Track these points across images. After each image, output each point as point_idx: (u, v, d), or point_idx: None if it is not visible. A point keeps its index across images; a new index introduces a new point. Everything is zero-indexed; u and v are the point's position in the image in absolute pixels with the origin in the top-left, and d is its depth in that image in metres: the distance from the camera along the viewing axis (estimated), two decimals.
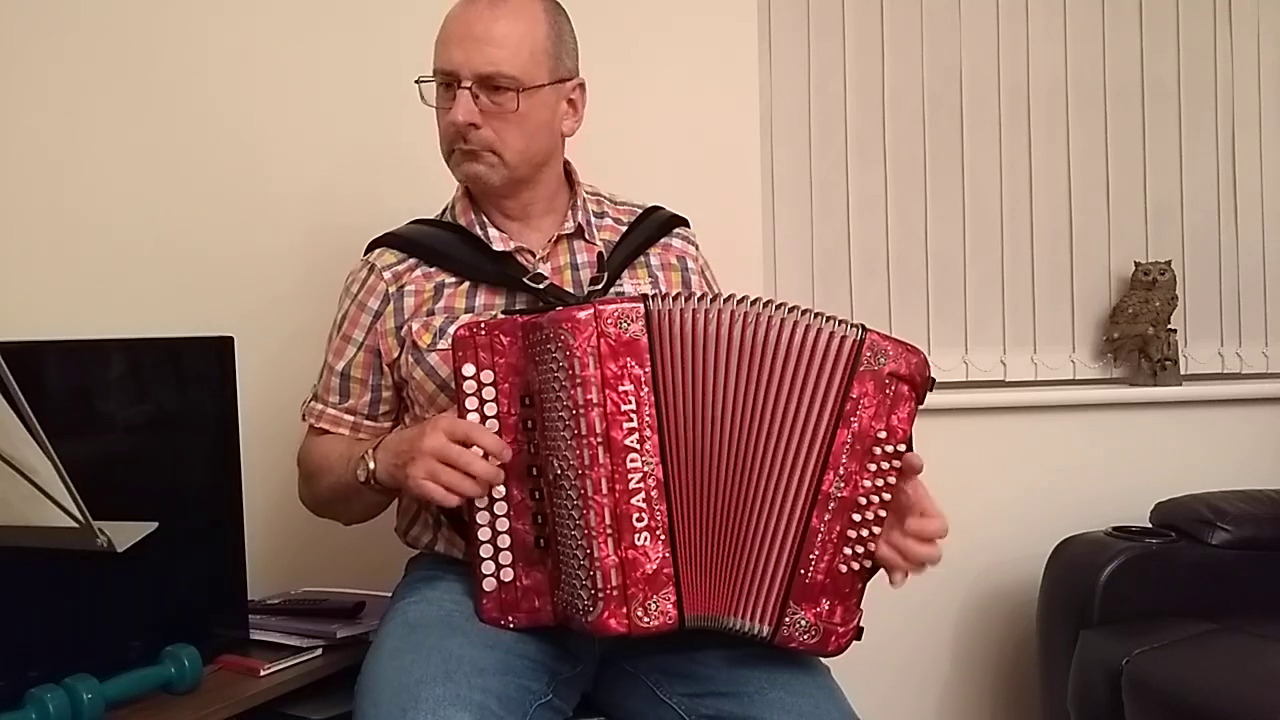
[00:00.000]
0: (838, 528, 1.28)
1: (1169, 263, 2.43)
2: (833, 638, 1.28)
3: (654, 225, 1.58)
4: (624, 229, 1.56)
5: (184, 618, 1.56)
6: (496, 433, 1.30)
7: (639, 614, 1.24)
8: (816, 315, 1.30)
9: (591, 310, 1.25)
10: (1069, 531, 2.19)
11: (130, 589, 1.45)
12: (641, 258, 1.55)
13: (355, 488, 1.41)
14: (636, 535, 1.24)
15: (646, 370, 1.25)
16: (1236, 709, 1.69)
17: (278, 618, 1.67)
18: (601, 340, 1.24)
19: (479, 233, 1.51)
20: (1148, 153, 2.51)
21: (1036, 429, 2.37)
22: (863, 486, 1.28)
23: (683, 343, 1.27)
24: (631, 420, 1.24)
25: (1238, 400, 2.44)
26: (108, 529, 0.93)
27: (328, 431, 1.54)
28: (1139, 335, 2.42)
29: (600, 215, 1.58)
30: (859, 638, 1.31)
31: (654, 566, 1.24)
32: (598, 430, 1.24)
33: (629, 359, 1.25)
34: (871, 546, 1.29)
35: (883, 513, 1.29)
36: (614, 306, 1.26)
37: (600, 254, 1.52)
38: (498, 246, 1.49)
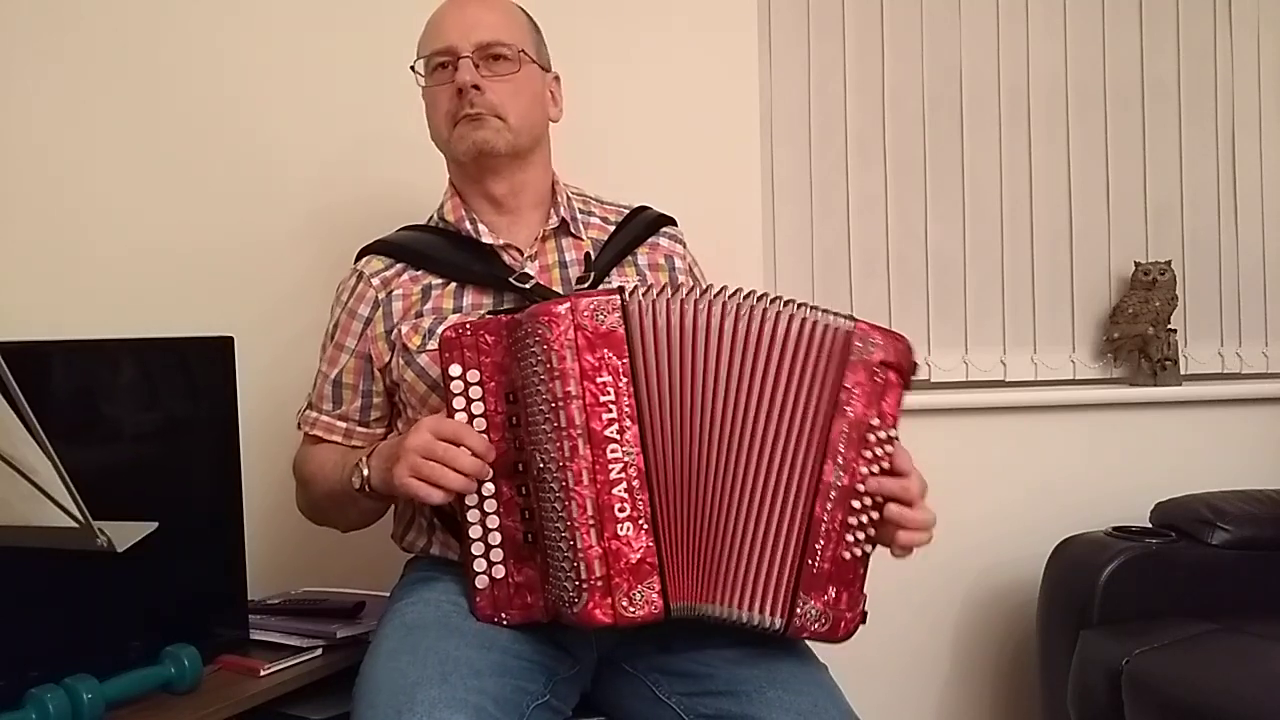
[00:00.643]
0: (840, 516, 1.29)
1: (1169, 263, 2.43)
2: (841, 624, 1.30)
3: (641, 225, 1.59)
4: (612, 228, 1.58)
5: (184, 618, 1.56)
6: (484, 431, 1.30)
7: (624, 604, 1.24)
8: (806, 307, 1.31)
9: (568, 304, 1.26)
10: (1069, 531, 2.19)
11: (130, 589, 1.45)
12: (630, 257, 1.56)
13: (351, 495, 1.41)
14: (619, 525, 1.24)
15: (625, 361, 1.26)
16: (1236, 709, 1.69)
17: (278, 618, 1.67)
18: (578, 333, 1.25)
19: (468, 228, 1.52)
20: (1148, 153, 2.51)
21: (1036, 429, 2.37)
22: (860, 474, 1.30)
23: (659, 334, 1.28)
24: (611, 411, 1.25)
25: (1238, 400, 2.44)
26: (108, 529, 0.93)
27: (322, 439, 1.56)
28: (1139, 335, 2.42)
29: (587, 214, 1.59)
30: (864, 621, 1.33)
31: (637, 556, 1.25)
32: (577, 422, 1.25)
33: (607, 350, 1.26)
34: (871, 532, 1.32)
35: (880, 498, 1.31)
36: (589, 299, 1.27)
37: (588, 253, 1.52)
38: (486, 239, 1.50)
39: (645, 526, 1.25)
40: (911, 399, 2.25)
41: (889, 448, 1.31)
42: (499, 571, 1.32)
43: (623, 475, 1.25)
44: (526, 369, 1.27)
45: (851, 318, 1.32)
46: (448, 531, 1.45)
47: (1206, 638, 1.94)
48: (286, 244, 1.99)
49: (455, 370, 1.31)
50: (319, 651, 1.60)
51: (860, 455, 1.29)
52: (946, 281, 2.42)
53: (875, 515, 1.31)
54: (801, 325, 1.30)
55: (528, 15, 1.57)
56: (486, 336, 1.31)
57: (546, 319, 1.25)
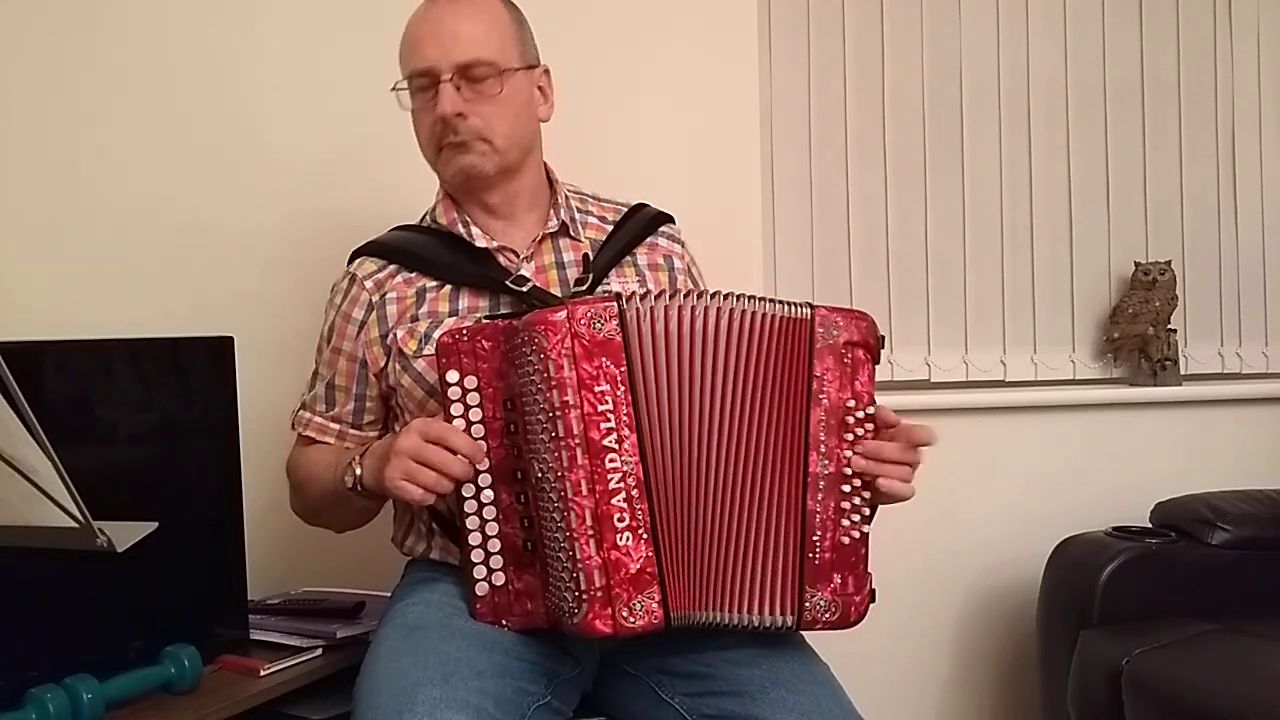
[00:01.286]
0: (832, 504, 1.30)
1: (1169, 263, 2.43)
2: (852, 609, 1.31)
3: (640, 224, 1.58)
4: (610, 228, 1.56)
5: (184, 618, 1.56)
6: (482, 437, 1.30)
7: (624, 614, 1.24)
8: (763, 301, 1.31)
9: (564, 312, 1.25)
10: (1069, 531, 2.19)
11: (130, 589, 1.45)
12: (628, 257, 1.55)
13: (344, 495, 1.41)
14: (619, 535, 1.24)
15: (622, 370, 1.25)
16: (1236, 709, 1.69)
17: (278, 618, 1.67)
18: (575, 341, 1.24)
19: (461, 231, 1.51)
20: (1148, 153, 2.51)
21: (1036, 429, 2.37)
22: (844, 457, 1.31)
23: (656, 341, 1.28)
24: (609, 420, 1.25)
25: (1238, 400, 2.44)
26: (108, 529, 0.93)
27: (315, 440, 1.55)
28: (1139, 335, 2.42)
29: (585, 213, 1.58)
30: (873, 600, 1.34)
31: (637, 566, 1.24)
32: (575, 432, 1.24)
33: (604, 359, 1.25)
34: (866, 511, 1.32)
35: (868, 478, 1.32)
36: (586, 307, 1.26)
37: (586, 254, 1.51)
38: (480, 243, 1.49)
39: (645, 536, 1.25)
40: (912, 399, 2.29)
41: (869, 425, 1.32)
42: (499, 578, 1.32)
43: (621, 485, 1.25)
44: (524, 377, 1.27)
45: (810, 305, 1.32)
46: (447, 536, 1.45)
47: (1206, 638, 1.94)
48: (287, 244, 1.99)
49: (453, 376, 1.30)
50: (319, 651, 1.59)
51: (842, 439, 1.31)
52: (946, 281, 2.42)
53: (867, 494, 1.32)
54: (762, 321, 1.30)
55: (509, 11, 1.52)
56: (484, 342, 1.30)
57: (543, 327, 1.24)
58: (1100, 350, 2.49)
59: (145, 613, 1.51)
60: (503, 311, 1.43)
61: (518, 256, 1.51)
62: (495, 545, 1.32)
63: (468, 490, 1.30)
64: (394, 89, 1.49)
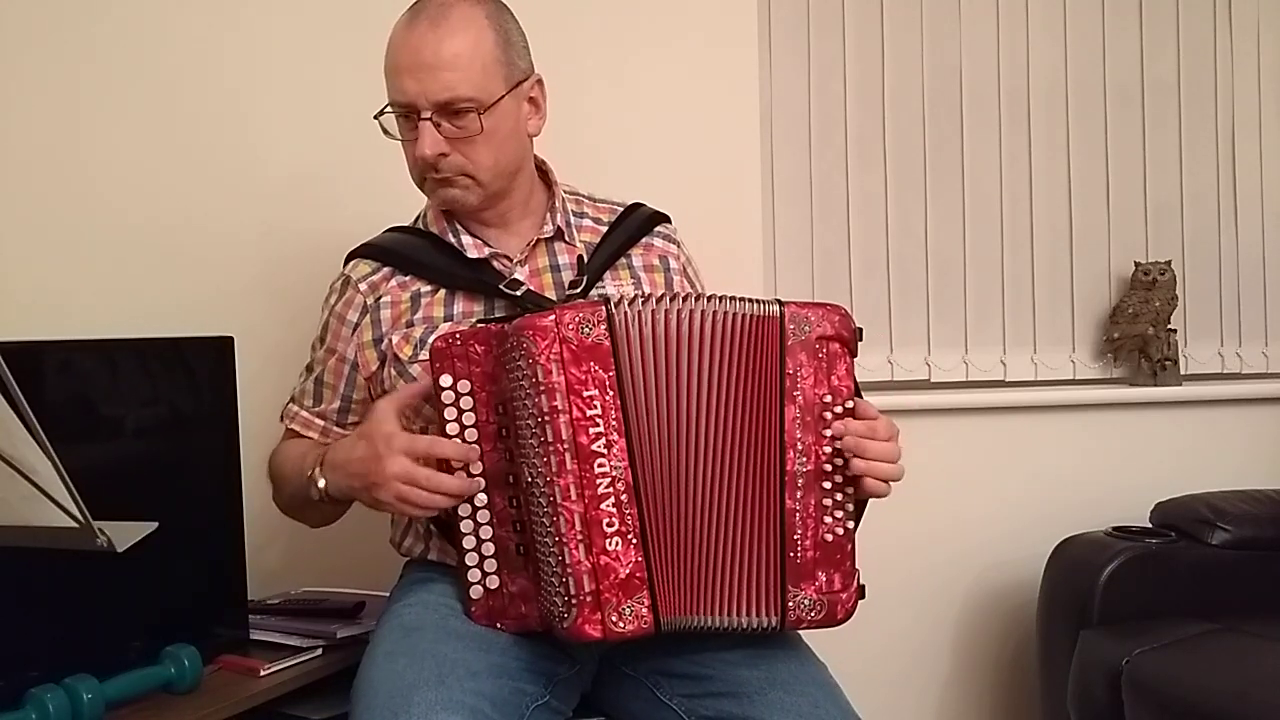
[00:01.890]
0: (813, 501, 1.29)
1: (1169, 263, 2.43)
2: (839, 606, 1.30)
3: (635, 224, 1.58)
4: (604, 229, 1.56)
5: (184, 618, 1.56)
6: (475, 441, 1.30)
7: (613, 619, 1.23)
8: (736, 300, 1.30)
9: (552, 317, 1.25)
10: (1069, 531, 2.19)
11: (130, 589, 1.45)
12: (624, 259, 1.54)
13: (311, 500, 1.42)
14: (608, 540, 1.24)
15: (611, 374, 1.25)
16: (1236, 709, 1.69)
17: (278, 618, 1.67)
18: (564, 346, 1.24)
19: (451, 240, 1.50)
20: (1148, 153, 2.51)
21: (1036, 429, 2.37)
22: (824, 454, 1.30)
23: (644, 344, 1.27)
24: (598, 425, 1.24)
25: (1238, 400, 2.44)
26: (108, 529, 0.93)
27: (299, 434, 1.56)
28: (1139, 335, 2.42)
29: (580, 215, 1.57)
30: (863, 596, 1.33)
31: (626, 571, 1.24)
32: (564, 437, 1.23)
33: (593, 363, 1.25)
34: (850, 507, 1.31)
35: (850, 473, 1.30)
36: (574, 312, 1.25)
37: (580, 256, 1.51)
38: (471, 254, 1.48)
39: (634, 541, 1.25)
40: (912, 399, 2.29)
41: (850, 419, 1.31)
42: (493, 582, 1.33)
43: (610, 490, 1.24)
44: (514, 382, 1.27)
45: (779, 302, 1.31)
46: (444, 538, 1.44)
47: (1206, 638, 1.94)
48: (287, 244, 1.99)
49: (446, 380, 1.30)
50: (319, 651, 1.59)
51: (820, 436, 1.30)
52: (946, 281, 2.42)
53: (850, 490, 1.31)
54: (734, 320, 1.29)
55: (493, 28, 1.43)
56: (476, 347, 1.30)
57: (531, 332, 1.24)
58: (1100, 350, 2.49)
59: (145, 613, 1.51)
60: (497, 315, 1.43)
61: (511, 261, 1.50)
62: (489, 549, 1.32)
63: (479, 499, 1.31)
64: (377, 116, 1.45)
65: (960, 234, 2.42)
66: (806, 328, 1.30)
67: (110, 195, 1.96)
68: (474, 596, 1.33)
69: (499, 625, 1.33)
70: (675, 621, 1.27)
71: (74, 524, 0.92)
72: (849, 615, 1.31)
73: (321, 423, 1.55)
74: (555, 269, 1.51)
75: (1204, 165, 2.54)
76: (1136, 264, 2.43)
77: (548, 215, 1.53)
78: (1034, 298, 2.46)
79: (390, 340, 1.47)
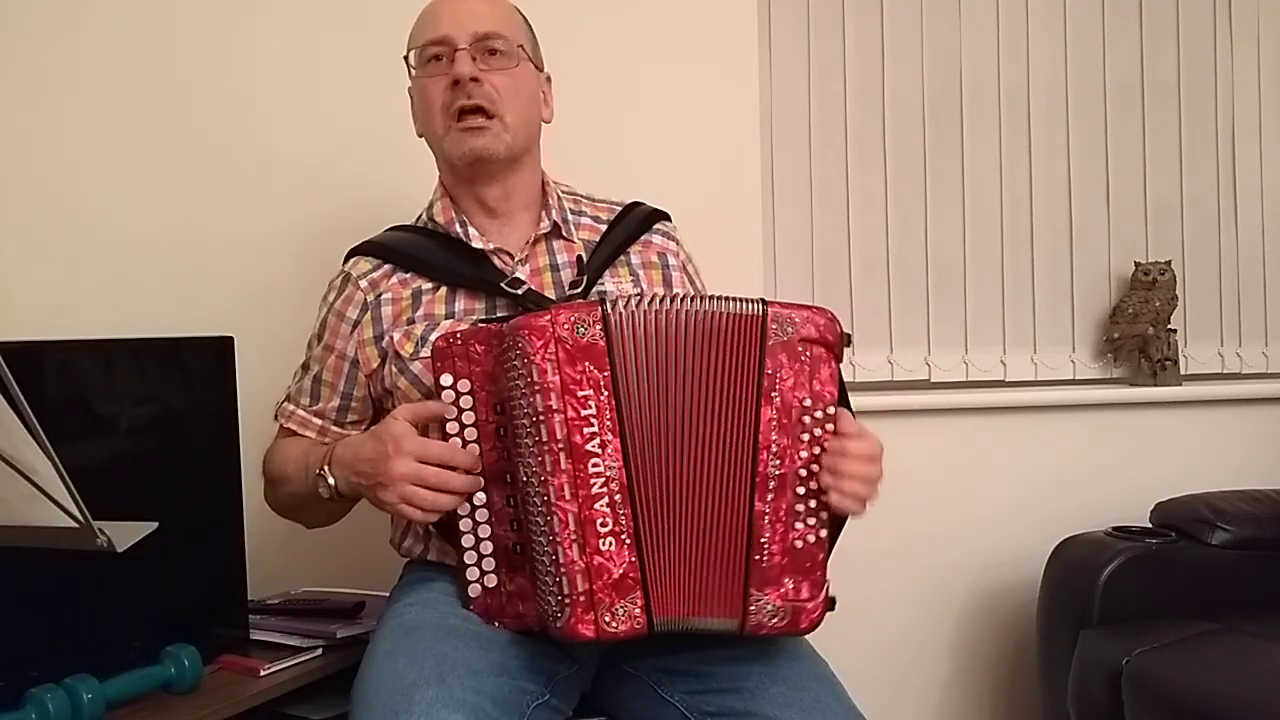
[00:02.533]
0: (784, 505, 1.27)
1: (1169, 263, 2.43)
2: (803, 615, 1.28)
3: (634, 222, 1.58)
4: (603, 228, 1.56)
5: (184, 618, 1.55)
6: (475, 441, 1.30)
7: (606, 619, 1.23)
8: (722, 300, 1.29)
9: (548, 317, 1.25)
10: (1069, 531, 2.19)
11: (130, 589, 1.45)
12: (622, 257, 1.55)
13: (315, 497, 1.41)
14: (601, 540, 1.24)
15: (606, 374, 1.25)
16: (1236, 709, 1.69)
17: (278, 618, 1.67)
18: (559, 346, 1.24)
19: (458, 230, 1.51)
20: (1148, 153, 2.51)
21: (1036, 429, 2.37)
22: (800, 458, 1.28)
23: (638, 344, 1.27)
24: (592, 425, 1.24)
25: (1238, 400, 2.44)
26: (108, 529, 0.93)
27: (295, 433, 1.56)
28: (1139, 335, 2.42)
29: (578, 214, 1.57)
30: (831, 608, 1.30)
31: (620, 571, 1.24)
32: (559, 436, 1.23)
33: (588, 363, 1.25)
34: (824, 515, 1.29)
35: (827, 480, 1.28)
36: (569, 312, 1.25)
37: (580, 256, 1.51)
38: (476, 244, 1.49)
39: (628, 541, 1.24)
40: (912, 399, 2.29)
41: (829, 426, 1.29)
42: (491, 580, 1.33)
43: (605, 490, 1.24)
44: (511, 381, 1.27)
45: (763, 301, 1.29)
46: (443, 538, 1.44)
47: (1206, 638, 1.94)
48: (287, 244, 1.99)
49: (447, 380, 1.30)
50: (319, 651, 1.59)
51: (798, 439, 1.28)
52: (946, 281, 2.42)
53: (826, 498, 1.29)
54: (717, 320, 1.28)
55: (523, 15, 1.55)
56: (477, 346, 1.30)
57: (527, 332, 1.24)
58: (1100, 350, 2.49)
59: (145, 613, 1.51)
60: (498, 314, 1.43)
61: (513, 259, 1.51)
62: (488, 547, 1.32)
63: (478, 498, 1.31)
64: (405, 58, 1.51)
65: (960, 234, 2.42)
66: (790, 329, 1.28)
67: (110, 196, 1.96)
68: (472, 595, 1.33)
69: (497, 624, 1.33)
70: (667, 622, 1.27)
71: (74, 524, 0.92)
72: (813, 626, 1.29)
73: (319, 421, 1.55)
74: (555, 268, 1.52)
75: (1204, 165, 2.54)
76: (1136, 264, 2.43)
77: (543, 213, 1.54)
78: (1034, 298, 2.46)
79: (391, 337, 1.47)
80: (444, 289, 1.48)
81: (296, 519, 1.59)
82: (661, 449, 1.27)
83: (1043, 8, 2.45)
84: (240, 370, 1.66)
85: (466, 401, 1.31)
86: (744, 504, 1.27)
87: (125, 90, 1.96)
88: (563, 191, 1.59)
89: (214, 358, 1.63)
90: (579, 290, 1.46)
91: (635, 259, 1.55)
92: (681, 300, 1.29)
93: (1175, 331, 2.45)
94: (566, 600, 1.23)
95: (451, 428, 1.30)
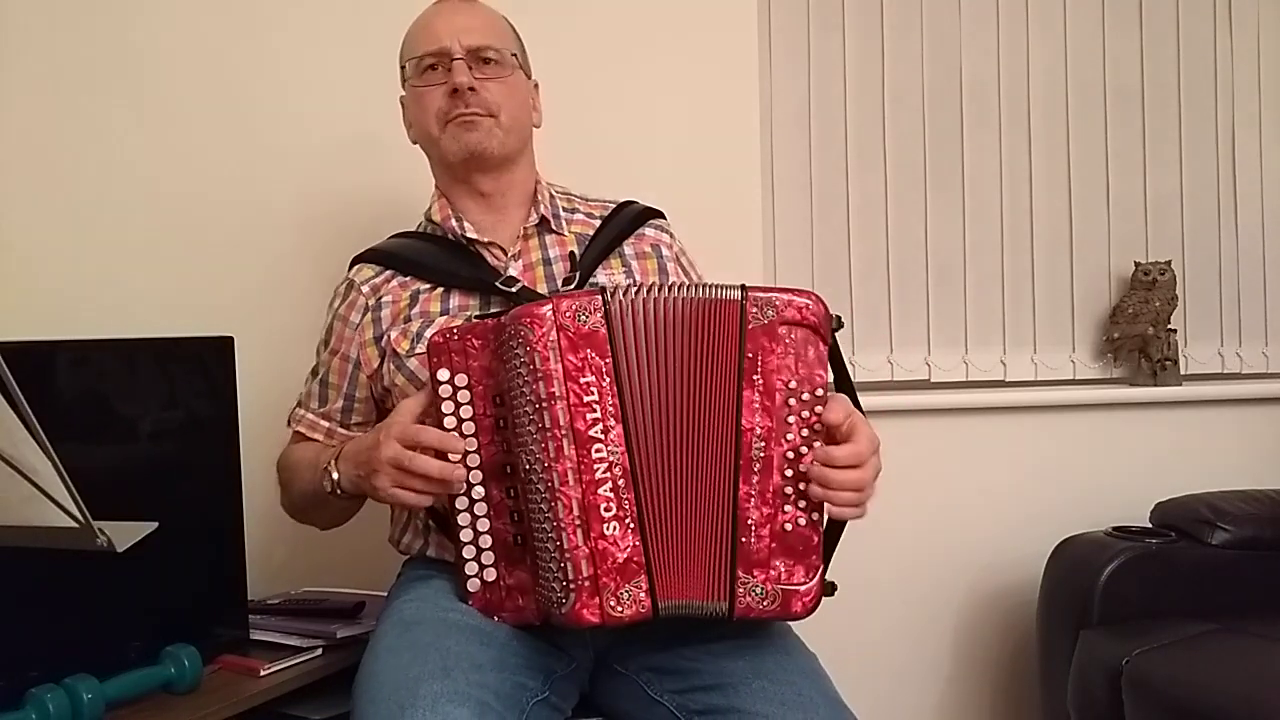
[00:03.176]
0: (770, 488, 1.27)
1: (1169, 263, 2.43)
2: (795, 599, 1.27)
3: (626, 219, 1.59)
4: (597, 223, 1.58)
5: (184, 618, 1.56)
6: (473, 435, 1.31)
7: (611, 604, 1.24)
8: (701, 287, 1.30)
9: (550, 305, 1.26)
10: (1069, 531, 2.19)
11: (130, 589, 1.45)
12: (616, 249, 1.56)
13: (324, 496, 1.43)
14: (605, 525, 1.24)
15: (607, 361, 1.26)
16: (1236, 709, 1.69)
17: (278, 618, 1.67)
18: (561, 334, 1.25)
19: (453, 225, 1.54)
20: (1148, 153, 2.51)
21: (1036, 429, 2.37)
22: (785, 440, 1.27)
23: (638, 332, 1.28)
24: (595, 411, 1.25)
25: (1238, 400, 2.44)
26: (108, 529, 0.93)
27: (305, 436, 1.58)
28: (1139, 335, 2.42)
29: (571, 210, 1.60)
30: (829, 593, 1.29)
31: (624, 556, 1.24)
32: (562, 423, 1.24)
33: (590, 350, 1.26)
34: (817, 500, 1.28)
35: (817, 492, 1.27)
36: (571, 300, 1.27)
37: (572, 251, 1.53)
38: (471, 234, 1.52)
39: (631, 525, 1.25)
40: (912, 399, 2.29)
41: (817, 408, 1.28)
42: (490, 574, 1.33)
43: (608, 475, 1.25)
44: (511, 371, 1.28)
45: (743, 287, 1.29)
46: (442, 533, 1.46)
47: (1206, 638, 1.94)
48: (287, 244, 1.99)
49: (444, 375, 1.31)
50: (319, 651, 1.59)
51: (783, 422, 1.27)
52: (946, 282, 2.42)
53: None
54: (698, 306, 1.29)
55: (511, 25, 1.59)
56: (474, 341, 1.31)
57: (529, 321, 1.25)
58: (1100, 350, 2.49)
59: (145, 613, 1.51)
60: (493, 310, 1.44)
61: (505, 254, 1.53)
62: (486, 541, 1.33)
63: (459, 487, 1.31)
64: (402, 67, 1.55)
65: (960, 234, 2.42)
66: (770, 312, 1.28)
67: (110, 196, 1.96)
68: (472, 590, 1.34)
69: (497, 618, 1.33)
70: (670, 606, 1.27)
71: (74, 524, 0.92)
72: (808, 610, 1.28)
73: (326, 424, 1.58)
74: (547, 262, 1.54)
75: (1204, 165, 2.54)
76: (1136, 264, 2.43)
77: (532, 207, 1.57)
78: (1034, 298, 2.46)
79: (389, 336, 1.50)
80: (440, 289, 1.51)
81: (309, 521, 1.61)
82: (658, 434, 1.28)
83: (1043, 8, 2.45)
84: (240, 370, 1.66)
85: (464, 396, 1.31)
86: (729, 486, 1.27)
87: (126, 90, 1.96)
88: (556, 191, 1.62)
89: (214, 358, 1.63)
90: (572, 285, 1.48)
91: (629, 250, 1.57)
92: (671, 289, 1.30)
93: (1175, 331, 2.45)
94: (571, 586, 1.24)
95: (449, 422, 1.31)
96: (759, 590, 1.27)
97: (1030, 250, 2.45)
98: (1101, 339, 2.48)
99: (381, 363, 1.51)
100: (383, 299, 1.52)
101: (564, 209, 1.59)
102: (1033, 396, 2.39)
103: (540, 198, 1.57)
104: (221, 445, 1.63)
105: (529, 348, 1.25)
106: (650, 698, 1.36)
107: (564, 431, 1.24)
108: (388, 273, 1.54)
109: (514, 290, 1.46)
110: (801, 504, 1.28)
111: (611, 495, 1.25)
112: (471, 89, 1.49)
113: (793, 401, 1.28)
